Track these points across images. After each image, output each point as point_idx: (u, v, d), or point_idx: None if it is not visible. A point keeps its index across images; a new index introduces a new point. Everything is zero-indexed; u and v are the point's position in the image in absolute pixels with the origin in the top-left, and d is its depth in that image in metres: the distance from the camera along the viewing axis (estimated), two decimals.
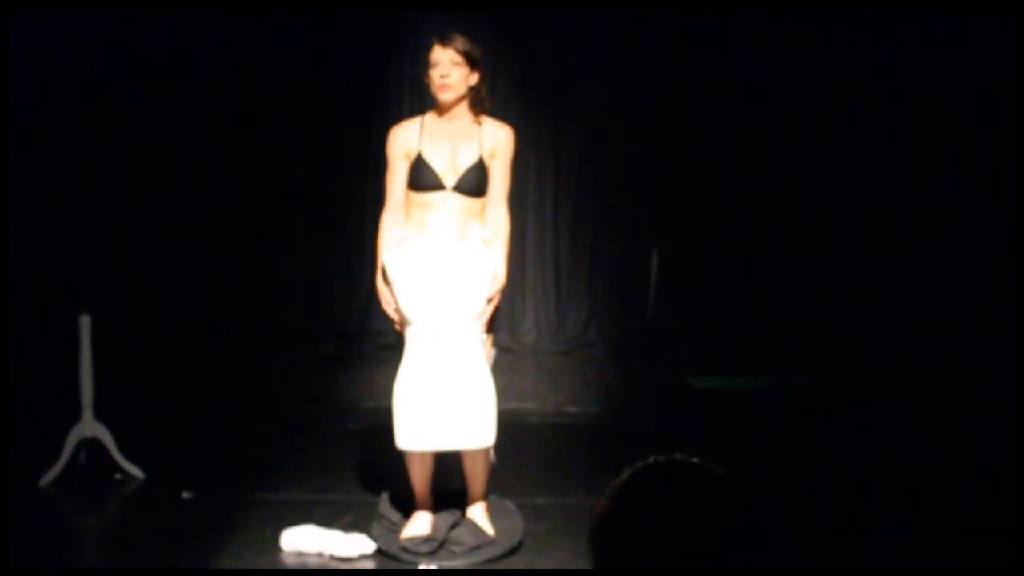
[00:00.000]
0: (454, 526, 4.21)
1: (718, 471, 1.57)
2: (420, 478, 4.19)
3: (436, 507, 4.25)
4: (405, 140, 4.12)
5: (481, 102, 4.15)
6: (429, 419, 3.98)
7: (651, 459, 1.63)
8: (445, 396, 3.97)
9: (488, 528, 4.24)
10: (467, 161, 4.10)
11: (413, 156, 4.10)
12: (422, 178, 4.09)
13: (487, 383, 4.03)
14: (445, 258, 4.01)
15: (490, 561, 4.12)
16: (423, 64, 4.14)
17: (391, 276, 4.04)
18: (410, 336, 4.03)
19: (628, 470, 1.62)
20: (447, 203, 4.10)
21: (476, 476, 4.21)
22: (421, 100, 4.21)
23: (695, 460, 1.60)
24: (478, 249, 4.07)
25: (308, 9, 7.44)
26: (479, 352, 4.05)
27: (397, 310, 4.06)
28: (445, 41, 4.08)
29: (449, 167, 4.09)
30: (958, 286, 6.97)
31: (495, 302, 4.12)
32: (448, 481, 4.36)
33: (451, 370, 3.98)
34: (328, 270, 8.06)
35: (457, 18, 7.31)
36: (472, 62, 4.08)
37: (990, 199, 6.85)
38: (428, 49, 4.12)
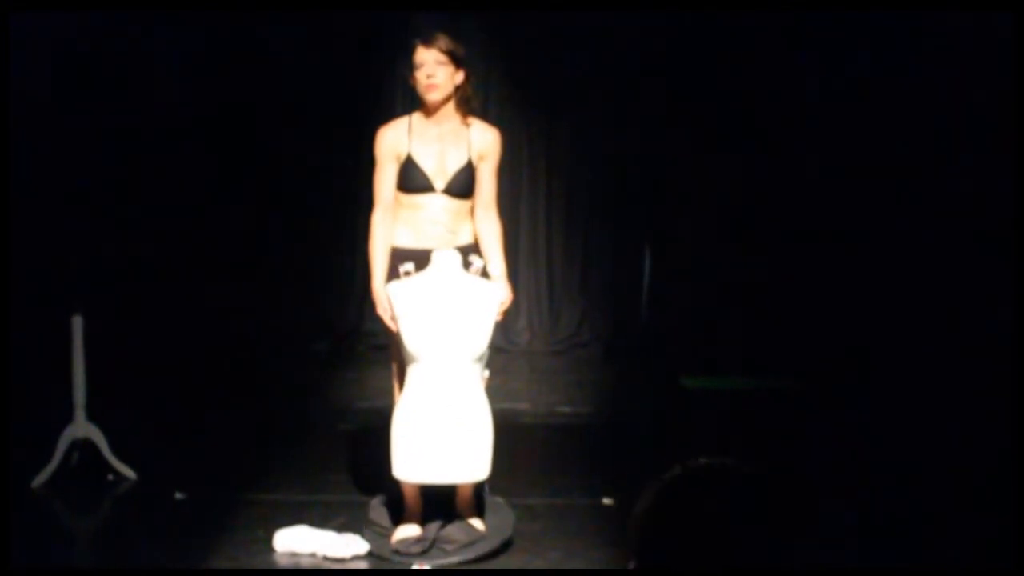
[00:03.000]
0: (444, 525, 4.21)
1: (771, 476, 1.56)
2: (410, 485, 4.19)
3: (425, 507, 4.25)
4: (394, 141, 4.12)
5: (468, 101, 4.15)
6: (427, 453, 4.00)
7: (702, 460, 1.62)
8: (445, 433, 3.99)
9: (479, 524, 4.24)
10: (456, 163, 4.11)
11: (403, 157, 4.10)
12: (412, 180, 4.09)
13: (486, 421, 4.05)
14: (451, 295, 4.00)
15: (483, 556, 4.12)
16: (408, 66, 4.13)
17: (397, 311, 4.01)
18: (412, 371, 4.02)
19: (678, 467, 1.61)
20: (436, 204, 4.10)
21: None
22: (414, 101, 4.19)
23: (745, 464, 1.59)
24: (483, 285, 4.05)
25: (302, 9, 7.44)
26: (480, 389, 4.06)
27: (393, 318, 4.05)
28: (428, 42, 4.08)
29: (438, 169, 4.09)
30: (954, 286, 6.98)
31: (504, 308, 4.13)
32: None
33: (453, 407, 3.99)
34: (321, 271, 8.06)
35: (449, 18, 7.30)
36: (457, 61, 4.08)
37: (989, 198, 6.85)
38: (411, 51, 4.11)
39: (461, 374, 4.00)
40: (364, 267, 7.87)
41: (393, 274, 4.10)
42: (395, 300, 4.00)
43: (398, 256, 4.13)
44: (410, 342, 3.98)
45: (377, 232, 4.13)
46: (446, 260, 4.04)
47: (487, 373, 4.13)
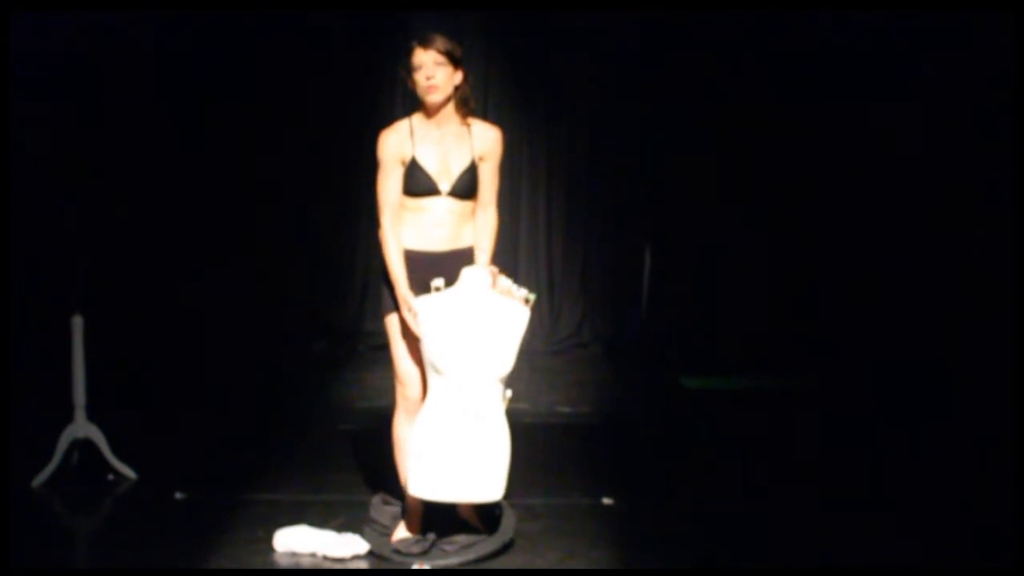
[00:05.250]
0: (446, 526, 4.21)
1: None
2: None
3: (427, 507, 4.25)
4: (398, 145, 4.10)
5: (466, 101, 4.14)
6: (445, 472, 4.00)
7: None
8: (464, 452, 3.99)
9: (479, 526, 4.24)
10: (460, 165, 4.10)
11: (407, 160, 4.09)
12: (417, 183, 4.08)
13: (505, 441, 4.06)
14: (478, 314, 4.00)
15: (483, 558, 4.12)
16: (405, 68, 4.12)
17: (423, 327, 3.99)
18: (434, 386, 4.02)
19: None
20: (441, 206, 4.10)
21: None
22: (414, 101, 4.17)
23: None
24: (511, 306, 4.05)
25: (303, 10, 7.45)
26: (501, 409, 4.07)
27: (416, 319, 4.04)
28: (426, 43, 4.06)
29: (442, 171, 4.09)
30: (955, 285, 6.98)
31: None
32: None
33: (473, 427, 3.99)
34: (321, 271, 8.06)
35: (449, 19, 7.31)
36: (455, 61, 4.07)
37: (989, 197, 6.85)
38: (408, 53, 4.10)
39: (483, 393, 4.01)
40: (364, 267, 7.97)
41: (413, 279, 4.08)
42: (422, 315, 3.99)
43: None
44: (435, 358, 3.98)
45: (390, 237, 4.10)
46: (475, 278, 4.04)
47: (509, 393, 4.14)
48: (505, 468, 4.07)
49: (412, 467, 4.03)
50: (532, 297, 4.11)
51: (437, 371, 3.99)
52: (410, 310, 4.02)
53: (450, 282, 4.04)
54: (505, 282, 4.09)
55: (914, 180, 7.23)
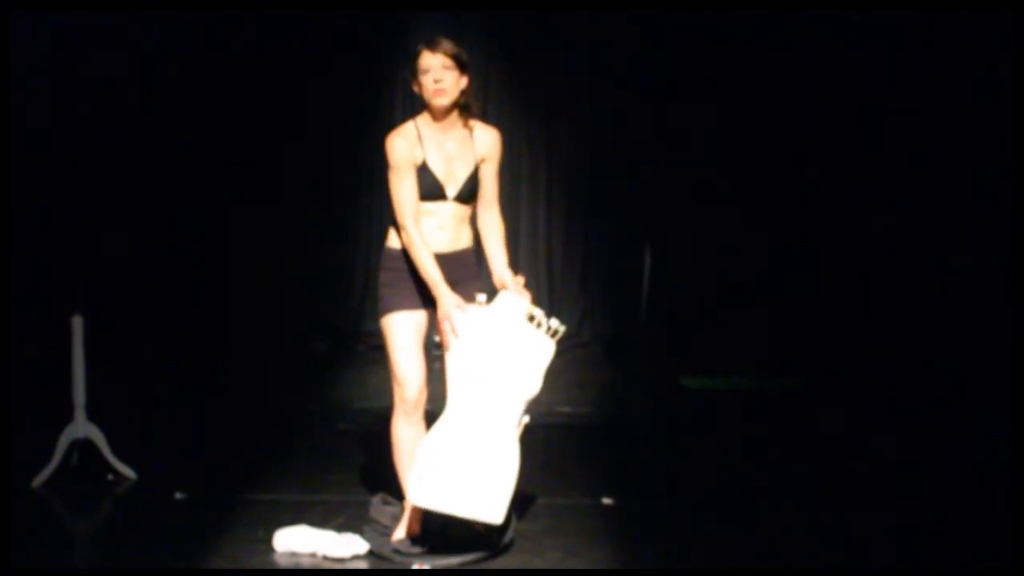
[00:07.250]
0: (445, 526, 4.21)
1: None
2: None
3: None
4: (410, 149, 4.10)
5: (468, 107, 4.16)
6: (448, 484, 3.99)
7: None
8: (471, 468, 3.98)
9: (481, 528, 4.24)
10: (465, 170, 4.12)
11: (418, 164, 4.09)
12: (426, 188, 4.09)
13: (513, 466, 4.06)
14: (508, 339, 4.02)
15: (482, 560, 4.12)
16: (411, 71, 4.12)
17: (458, 339, 4.01)
18: (454, 398, 4.02)
19: None
20: (446, 211, 4.11)
21: None
22: (414, 102, 4.18)
23: None
24: (540, 339, 4.07)
25: (302, 10, 7.45)
26: (515, 435, 4.08)
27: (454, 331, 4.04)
28: (434, 46, 4.07)
29: (448, 176, 4.10)
30: (956, 284, 6.97)
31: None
32: None
33: (484, 445, 4.00)
34: (321, 271, 8.06)
35: (449, 20, 7.31)
36: (462, 66, 4.09)
37: (988, 197, 6.85)
38: (415, 56, 4.10)
39: (501, 415, 4.02)
40: (364, 267, 7.96)
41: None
42: (461, 326, 4.00)
43: (396, 258, 4.12)
44: (460, 371, 3.99)
45: (418, 239, 4.06)
46: (512, 304, 4.07)
47: (526, 419, 4.15)
48: (509, 493, 4.05)
49: (416, 474, 4.02)
50: (562, 330, 4.12)
51: (459, 384, 4.00)
52: (453, 312, 4.01)
53: (447, 280, 4.06)
54: (537, 312, 4.10)
55: (915, 179, 7.23)
